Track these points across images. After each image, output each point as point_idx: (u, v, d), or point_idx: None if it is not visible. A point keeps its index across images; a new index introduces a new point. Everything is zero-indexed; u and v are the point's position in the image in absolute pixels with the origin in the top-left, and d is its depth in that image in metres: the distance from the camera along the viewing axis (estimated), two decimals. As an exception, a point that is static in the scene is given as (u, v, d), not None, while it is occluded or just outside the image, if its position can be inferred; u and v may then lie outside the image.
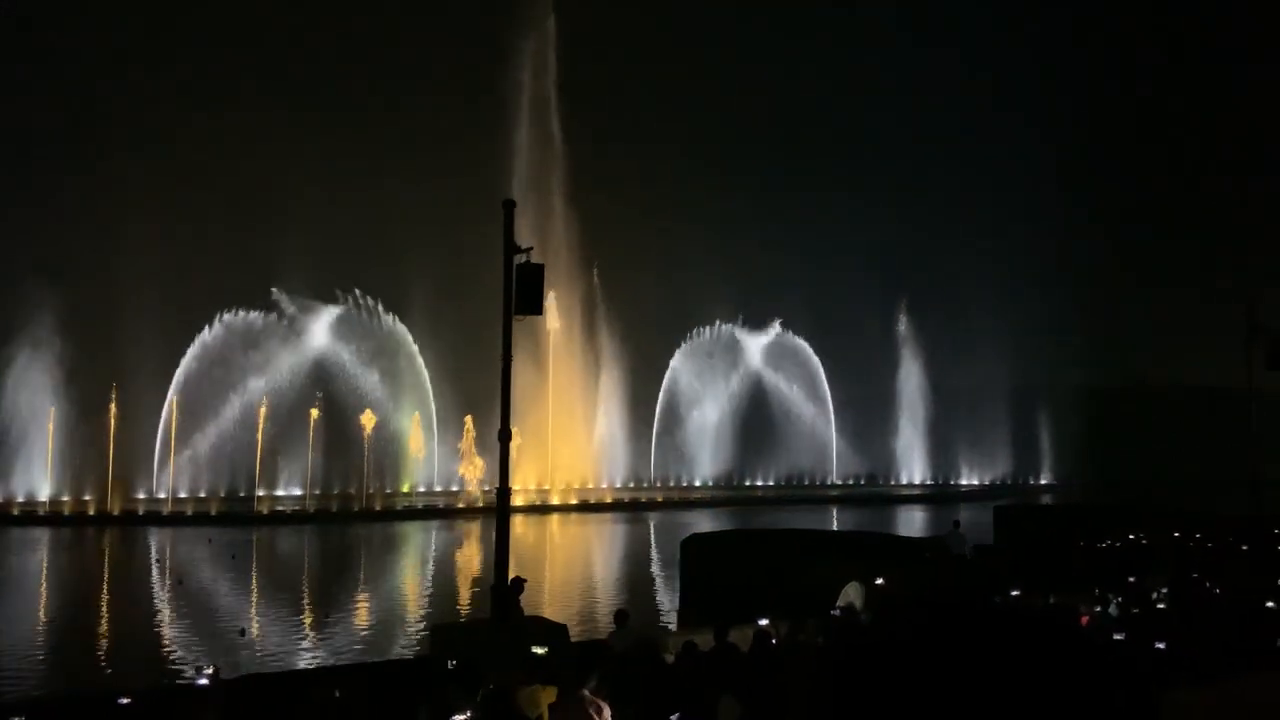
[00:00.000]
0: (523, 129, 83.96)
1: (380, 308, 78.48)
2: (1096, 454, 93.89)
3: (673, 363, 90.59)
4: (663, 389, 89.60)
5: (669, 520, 56.12)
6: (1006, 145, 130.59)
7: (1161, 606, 15.62)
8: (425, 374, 78.37)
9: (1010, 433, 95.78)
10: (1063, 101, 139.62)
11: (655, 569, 38.54)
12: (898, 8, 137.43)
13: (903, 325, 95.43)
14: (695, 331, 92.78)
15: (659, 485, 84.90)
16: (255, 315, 71.87)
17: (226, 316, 70.59)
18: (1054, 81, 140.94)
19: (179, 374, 68.56)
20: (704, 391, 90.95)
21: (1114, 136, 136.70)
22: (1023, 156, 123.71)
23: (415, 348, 78.68)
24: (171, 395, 67.08)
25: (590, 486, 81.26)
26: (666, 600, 30.01)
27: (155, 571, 38.16)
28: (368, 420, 65.90)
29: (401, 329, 78.79)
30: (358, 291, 77.51)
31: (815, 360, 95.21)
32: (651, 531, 53.50)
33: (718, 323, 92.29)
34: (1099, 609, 14.41)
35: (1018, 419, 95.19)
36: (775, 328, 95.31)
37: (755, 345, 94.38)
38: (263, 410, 64.65)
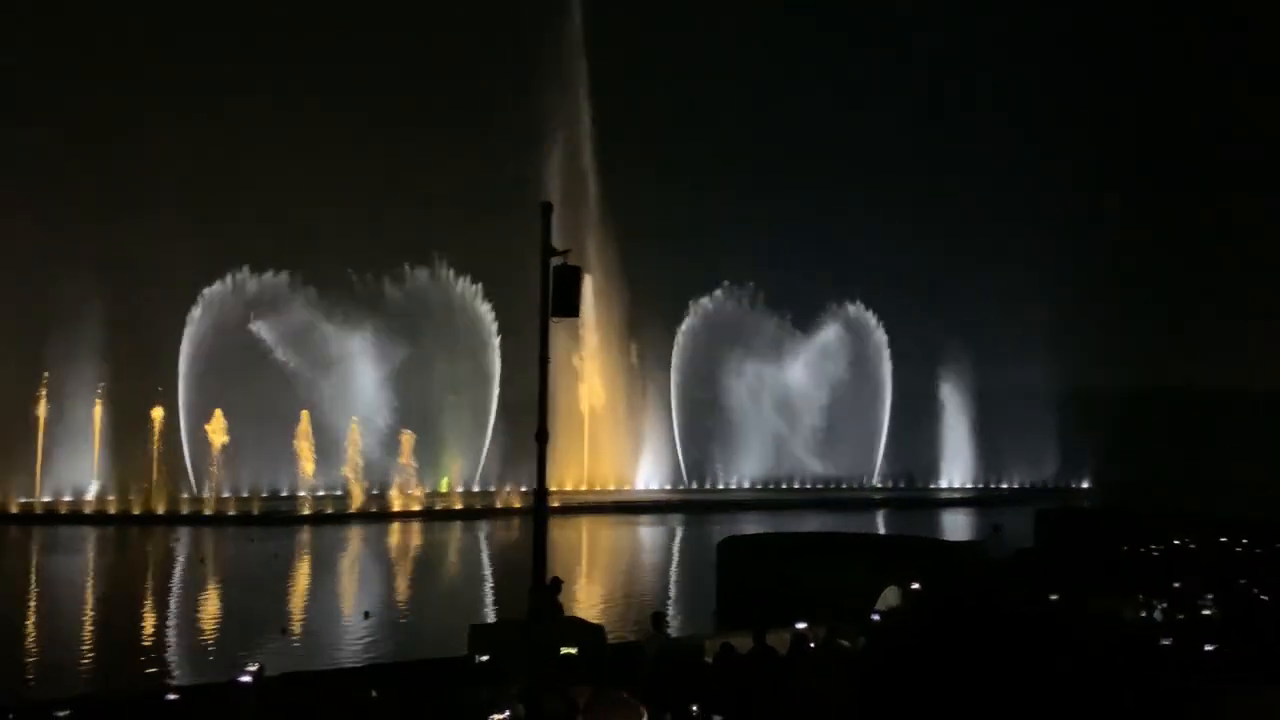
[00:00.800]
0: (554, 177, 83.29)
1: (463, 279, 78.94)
2: (1138, 457, 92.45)
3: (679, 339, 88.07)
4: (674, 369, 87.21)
5: (702, 522, 56.01)
6: (1047, 147, 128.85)
7: (1208, 612, 15.40)
8: (497, 361, 77.40)
9: (1052, 436, 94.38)
10: (1104, 101, 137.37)
11: (689, 572, 38.47)
12: (910, 10, 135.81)
13: (939, 328, 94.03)
14: (719, 290, 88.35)
15: (694, 486, 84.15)
16: (300, 311, 72.23)
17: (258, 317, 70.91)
18: (1090, 80, 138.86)
19: (182, 358, 68.85)
20: (746, 396, 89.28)
21: (1152, 139, 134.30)
22: (1065, 157, 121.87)
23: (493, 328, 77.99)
24: (182, 382, 67.45)
25: (627, 488, 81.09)
26: (701, 603, 29.96)
27: (199, 570, 38.72)
28: (409, 441, 65.87)
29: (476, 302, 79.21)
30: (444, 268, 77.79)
31: (883, 356, 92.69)
32: (678, 534, 53.41)
33: (714, 293, 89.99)
34: (1144, 614, 14.24)
35: (1061, 422, 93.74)
36: (843, 315, 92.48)
37: (806, 345, 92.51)
38: (306, 414, 64.75)
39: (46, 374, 64.66)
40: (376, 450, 68.76)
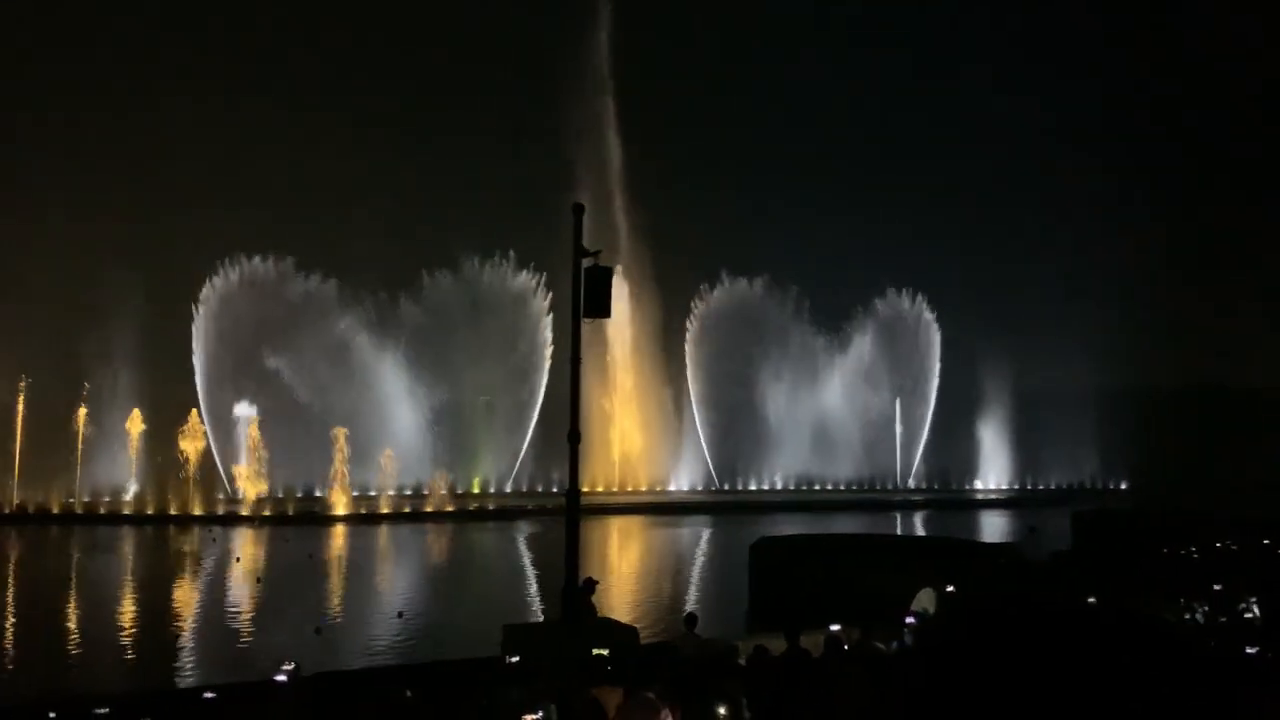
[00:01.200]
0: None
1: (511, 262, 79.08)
2: (1178, 458, 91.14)
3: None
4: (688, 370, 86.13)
5: (734, 524, 55.81)
6: (1081, 142, 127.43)
7: (1250, 615, 15.12)
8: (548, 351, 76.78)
9: (1091, 436, 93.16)
10: (1142, 95, 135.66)
11: (721, 573, 38.32)
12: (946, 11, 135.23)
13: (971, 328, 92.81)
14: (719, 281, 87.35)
15: (725, 488, 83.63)
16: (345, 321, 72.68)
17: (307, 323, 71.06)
18: (1130, 75, 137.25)
19: (201, 359, 69.21)
20: (778, 392, 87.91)
21: (1188, 135, 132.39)
22: (1097, 155, 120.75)
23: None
24: (192, 398, 67.71)
25: (659, 489, 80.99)
26: (734, 604, 29.84)
27: (234, 569, 39.07)
28: (442, 483, 65.87)
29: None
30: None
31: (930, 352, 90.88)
32: (710, 536, 53.20)
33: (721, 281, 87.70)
34: (1187, 616, 14.01)
35: (1099, 422, 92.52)
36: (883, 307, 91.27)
37: (840, 352, 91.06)
38: (343, 434, 64.66)
39: (86, 385, 65.54)
40: (411, 457, 69.33)
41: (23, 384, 63.98)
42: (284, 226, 77.83)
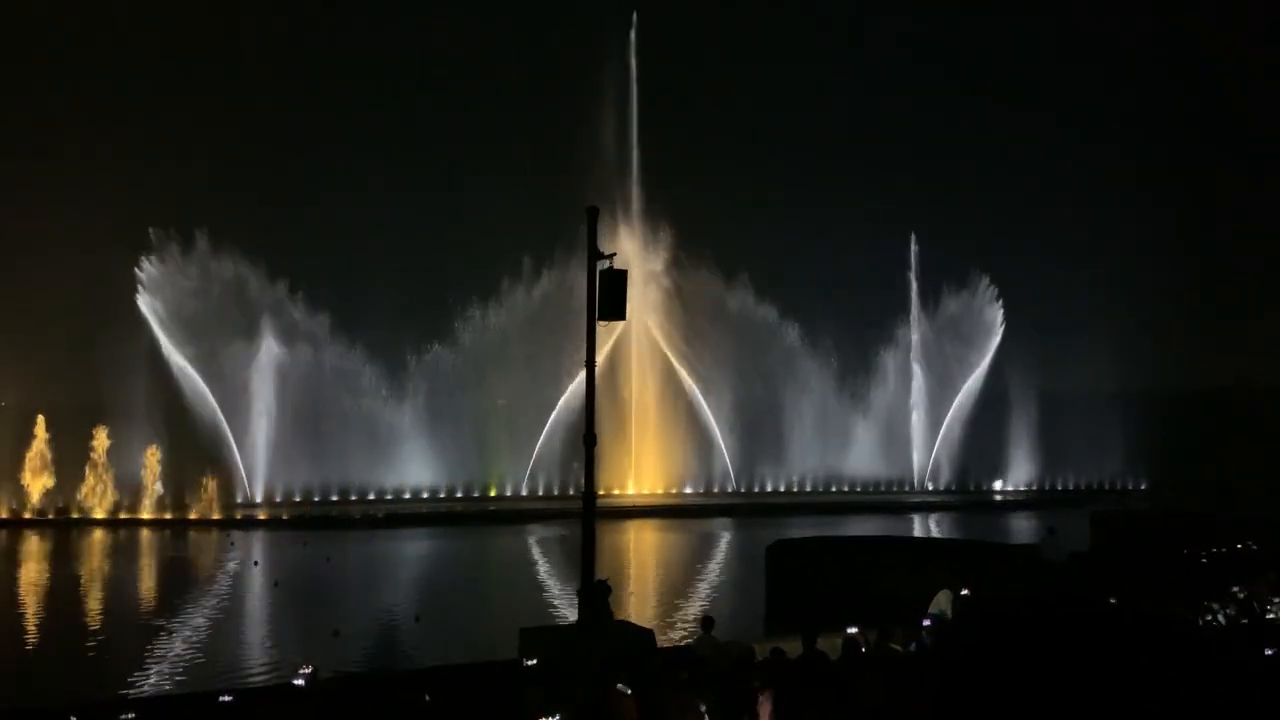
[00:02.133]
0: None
1: None
2: (1199, 458, 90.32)
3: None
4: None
5: (751, 526, 55.74)
6: (1104, 142, 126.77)
7: (1271, 617, 15.04)
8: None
9: (1112, 436, 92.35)
10: (1160, 95, 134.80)
11: (738, 576, 38.29)
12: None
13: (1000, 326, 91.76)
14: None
15: (742, 490, 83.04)
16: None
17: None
18: (1168, 75, 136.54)
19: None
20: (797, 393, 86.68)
21: (1216, 134, 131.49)
22: (1115, 156, 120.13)
23: None
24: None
25: (674, 491, 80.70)
26: (750, 606, 29.84)
27: (253, 573, 39.27)
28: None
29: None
30: None
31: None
32: (727, 538, 53.15)
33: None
34: (1209, 618, 13.95)
35: (1120, 422, 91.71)
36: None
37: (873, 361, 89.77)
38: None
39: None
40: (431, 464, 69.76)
41: (41, 418, 64.39)
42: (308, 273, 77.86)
